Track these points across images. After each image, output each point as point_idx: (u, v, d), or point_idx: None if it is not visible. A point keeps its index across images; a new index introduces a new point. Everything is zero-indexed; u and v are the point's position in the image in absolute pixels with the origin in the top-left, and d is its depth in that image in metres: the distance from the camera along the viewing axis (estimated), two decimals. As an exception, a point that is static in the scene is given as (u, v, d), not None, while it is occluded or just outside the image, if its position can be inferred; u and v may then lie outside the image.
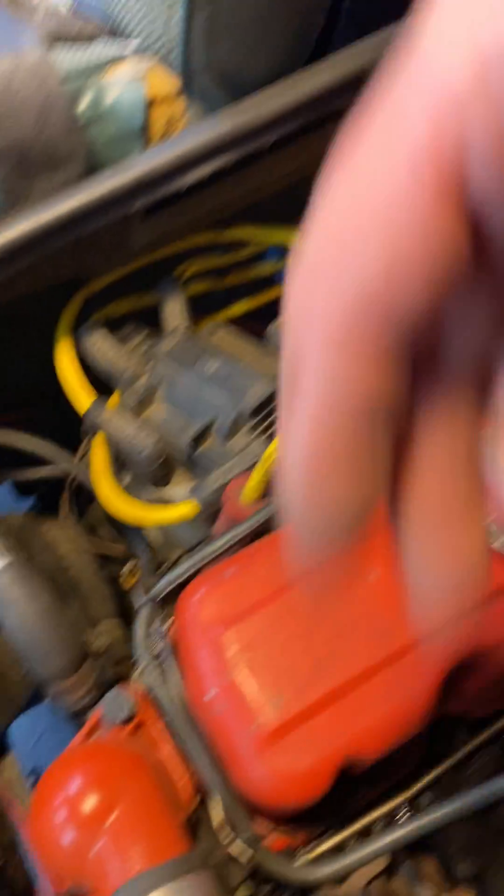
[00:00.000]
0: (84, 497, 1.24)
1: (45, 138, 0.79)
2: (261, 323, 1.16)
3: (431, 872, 0.86)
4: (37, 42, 0.78)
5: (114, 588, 1.22)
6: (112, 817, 0.64)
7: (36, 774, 1.42)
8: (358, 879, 0.80)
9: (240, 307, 1.16)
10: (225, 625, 0.69)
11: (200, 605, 0.70)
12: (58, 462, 1.00)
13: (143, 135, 0.86)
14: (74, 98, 0.81)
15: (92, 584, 1.13)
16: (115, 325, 1.07)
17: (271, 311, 1.18)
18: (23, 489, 1.54)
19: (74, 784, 0.66)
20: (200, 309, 1.14)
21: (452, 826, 0.83)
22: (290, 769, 0.65)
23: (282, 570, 0.72)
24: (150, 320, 1.08)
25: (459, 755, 0.77)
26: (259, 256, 1.16)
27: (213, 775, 0.68)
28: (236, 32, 0.80)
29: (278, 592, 0.71)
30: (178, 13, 0.79)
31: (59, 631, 0.75)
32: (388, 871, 0.85)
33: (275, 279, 1.21)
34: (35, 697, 1.57)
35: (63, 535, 1.18)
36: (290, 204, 1.11)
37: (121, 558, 1.17)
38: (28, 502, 1.59)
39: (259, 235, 1.09)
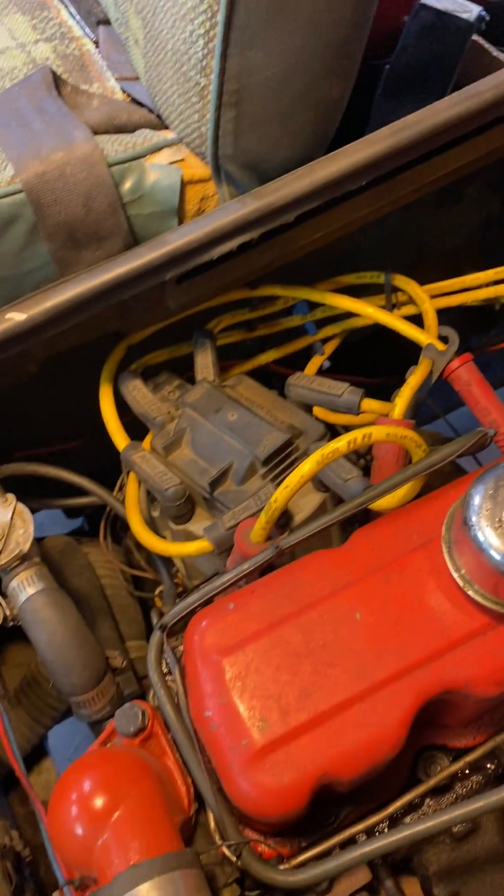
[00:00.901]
0: (123, 523, 1.36)
1: (91, 218, 0.91)
2: (287, 368, 1.26)
3: (412, 890, 0.94)
4: (88, 135, 0.90)
5: (145, 609, 1.33)
6: (116, 815, 0.74)
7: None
8: (343, 890, 0.89)
9: (268, 356, 1.26)
10: (223, 653, 0.79)
11: (204, 634, 0.80)
12: (96, 495, 1.11)
13: (177, 213, 0.97)
14: (119, 181, 0.92)
15: (123, 605, 1.24)
16: (152, 372, 1.18)
17: (296, 360, 1.28)
18: (70, 512, 1.67)
19: (86, 784, 0.76)
20: (232, 355, 1.25)
21: (431, 851, 0.91)
22: (272, 784, 0.74)
23: (277, 607, 0.81)
24: (187, 367, 1.19)
25: (437, 779, 0.85)
26: (287, 311, 1.26)
27: (206, 785, 0.77)
28: (260, 127, 0.91)
29: (272, 627, 0.80)
30: (210, 110, 0.90)
31: (83, 650, 0.86)
32: (371, 890, 0.93)
33: (301, 331, 1.31)
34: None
35: (101, 558, 1.30)
36: (317, 264, 1.22)
37: (153, 580, 1.28)
38: (75, 523, 1.72)
39: (287, 292, 1.20)
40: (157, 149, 0.96)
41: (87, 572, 1.21)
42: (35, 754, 1.82)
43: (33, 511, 0.95)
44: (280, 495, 0.86)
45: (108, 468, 1.25)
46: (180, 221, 0.99)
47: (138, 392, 1.11)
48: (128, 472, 1.17)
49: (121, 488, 1.22)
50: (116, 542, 1.36)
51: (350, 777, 0.75)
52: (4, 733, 0.92)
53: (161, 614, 0.95)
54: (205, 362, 1.12)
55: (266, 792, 0.74)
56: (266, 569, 0.91)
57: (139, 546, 1.32)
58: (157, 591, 1.35)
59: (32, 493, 1.12)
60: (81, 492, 1.23)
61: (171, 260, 0.94)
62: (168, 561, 1.18)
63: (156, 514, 1.14)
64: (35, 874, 1.54)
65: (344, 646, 0.78)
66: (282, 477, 0.99)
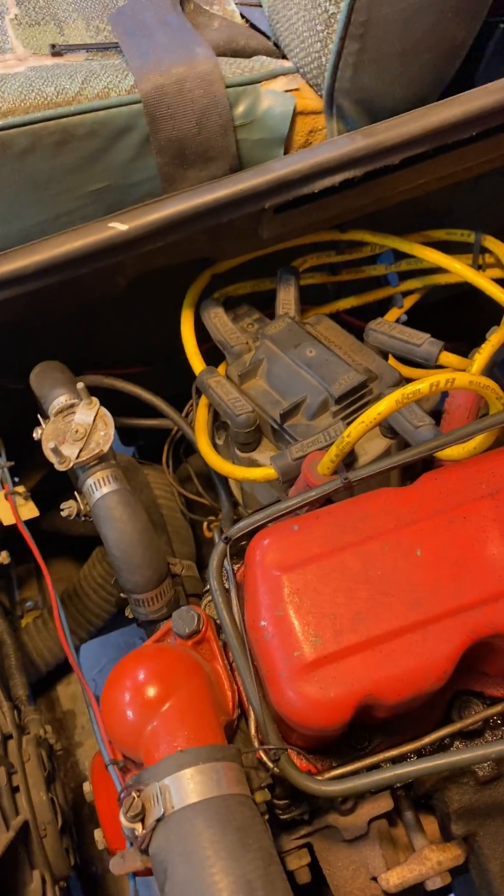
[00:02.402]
0: (181, 451, 1.39)
1: (202, 136, 0.92)
2: (363, 319, 1.27)
3: (430, 829, 0.97)
4: (210, 53, 0.91)
5: (195, 535, 1.37)
6: (167, 705, 0.78)
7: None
8: (363, 814, 0.93)
9: (347, 302, 1.27)
10: (284, 569, 0.82)
11: (267, 549, 0.83)
12: (167, 415, 1.14)
13: (284, 142, 0.98)
14: (233, 103, 0.93)
15: (177, 526, 1.28)
16: (233, 303, 1.20)
17: (375, 309, 1.29)
18: (126, 438, 1.71)
19: (141, 673, 0.80)
20: (311, 298, 1.26)
21: (454, 789, 0.94)
22: (318, 696, 0.77)
23: (340, 534, 0.84)
24: (264, 303, 1.20)
25: (469, 721, 0.88)
26: (372, 259, 1.27)
27: (253, 690, 0.81)
28: (382, 63, 0.91)
29: (333, 552, 0.83)
30: (334, 40, 0.90)
31: (149, 551, 0.89)
32: (391, 818, 0.97)
33: (383, 281, 1.31)
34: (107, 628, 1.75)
35: (159, 480, 1.34)
36: (406, 216, 1.22)
37: (207, 507, 1.31)
38: (130, 449, 1.76)
39: (376, 239, 1.20)
40: (274, 76, 0.97)
41: (147, 490, 1.24)
42: (64, 668, 1.90)
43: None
44: (354, 430, 0.88)
45: (173, 397, 1.28)
46: (285, 152, 1.00)
47: (219, 319, 1.13)
48: (198, 398, 1.20)
49: (187, 414, 1.25)
50: (174, 468, 1.40)
51: (393, 701, 0.78)
52: (62, 630, 0.96)
53: (221, 532, 0.98)
54: (287, 298, 1.14)
55: (312, 703, 0.77)
56: (327, 501, 0.93)
57: (197, 473, 1.36)
58: (207, 521, 1.39)
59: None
60: (147, 414, 1.26)
61: (273, 188, 0.95)
62: (227, 488, 1.21)
63: (220, 441, 1.17)
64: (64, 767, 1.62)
65: (401, 578, 0.81)
66: (353, 417, 1.01)
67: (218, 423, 1.19)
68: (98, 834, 1.01)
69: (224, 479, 1.18)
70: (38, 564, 1.90)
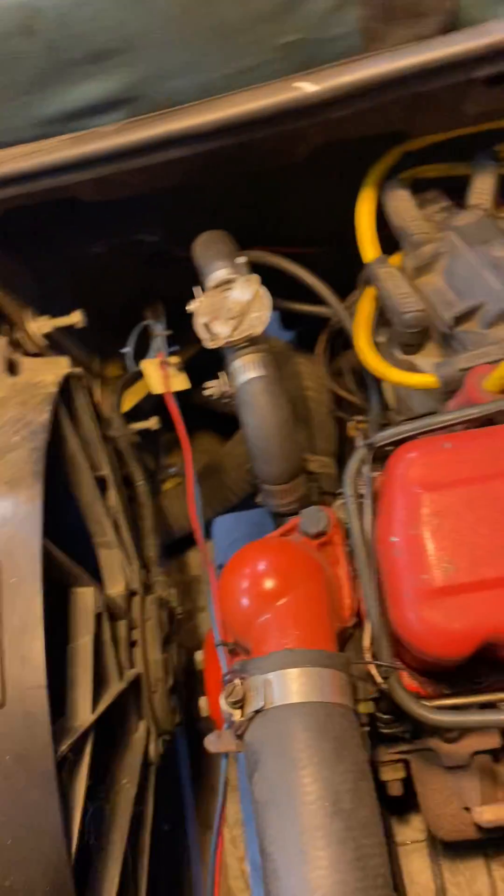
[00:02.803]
0: (339, 343, 1.33)
1: (416, -14, 0.80)
2: None
3: (536, 773, 0.93)
4: None
5: (340, 433, 1.32)
6: (283, 600, 0.77)
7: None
8: (468, 745, 0.89)
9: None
10: (427, 488, 0.76)
11: (412, 462, 0.77)
12: (328, 302, 1.07)
13: (513, -1, 0.84)
14: None
15: (323, 420, 1.23)
16: (420, 187, 1.09)
17: None
18: (287, 322, 1.66)
19: (263, 563, 0.79)
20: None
21: None
22: (441, 625, 0.72)
23: (497, 461, 0.76)
24: (457, 192, 1.08)
25: None
26: None
27: (373, 603, 0.77)
28: None
29: (485, 478, 0.75)
30: None
31: (288, 442, 0.86)
32: (496, 756, 0.93)
33: None
34: (244, 505, 1.77)
35: (311, 370, 1.29)
36: None
37: (356, 405, 1.26)
38: (289, 334, 1.71)
39: None
40: None
41: (297, 379, 1.20)
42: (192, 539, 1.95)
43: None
44: (534, 347, 0.79)
45: (341, 286, 1.20)
46: (513, 11, 0.86)
47: (403, 203, 1.03)
48: (364, 288, 1.12)
49: (349, 306, 1.18)
50: (328, 361, 1.34)
51: (521, 646, 0.73)
52: (192, 500, 0.96)
53: (365, 436, 0.93)
54: (483, 187, 1.01)
55: (433, 630, 0.73)
56: (487, 422, 0.85)
57: (351, 370, 1.30)
58: (354, 421, 1.33)
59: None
60: (311, 300, 1.20)
61: (490, 54, 0.82)
62: (379, 391, 1.14)
63: (381, 339, 1.09)
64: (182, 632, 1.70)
65: None
66: (535, 331, 0.90)
67: (382, 318, 1.10)
68: (203, 702, 1.04)
69: (378, 381, 1.11)
70: (175, 434, 1.95)
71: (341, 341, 1.26)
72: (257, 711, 0.70)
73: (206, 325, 0.84)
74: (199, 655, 1.10)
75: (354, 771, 0.67)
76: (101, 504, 1.19)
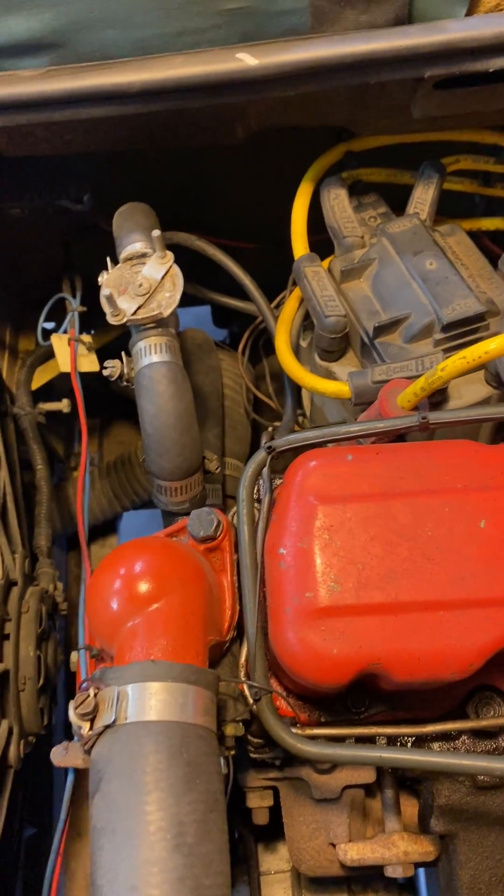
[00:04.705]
0: (265, 346, 1.27)
1: (372, -32, 0.76)
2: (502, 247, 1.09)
3: (408, 812, 0.88)
4: None
5: (255, 435, 1.26)
6: (156, 605, 0.70)
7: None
8: (340, 778, 0.84)
9: (492, 223, 1.09)
10: (323, 500, 0.71)
11: (311, 472, 0.72)
12: (252, 297, 1.02)
13: (469, 1, 0.80)
14: None
15: (236, 420, 1.17)
16: (360, 190, 1.04)
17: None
18: (219, 320, 1.60)
19: (138, 564, 0.72)
20: (451, 208, 1.08)
21: (447, 784, 0.84)
22: (320, 648, 0.67)
23: (398, 479, 0.72)
24: (397, 200, 1.04)
25: (486, 723, 0.77)
26: (536, 179, 1.07)
27: (253, 618, 0.72)
28: None
29: (385, 496, 0.71)
30: None
31: (185, 436, 0.79)
32: (370, 791, 0.88)
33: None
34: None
35: (232, 368, 1.23)
36: None
37: (275, 411, 1.20)
38: (221, 333, 1.65)
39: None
40: None
41: (215, 375, 1.14)
42: (105, 528, 1.87)
43: (185, 300, 0.86)
44: (451, 365, 0.74)
45: (270, 287, 1.15)
46: (468, 13, 0.82)
47: (339, 202, 0.98)
48: (292, 289, 1.07)
49: (277, 306, 1.12)
50: (252, 362, 1.29)
51: (402, 679, 0.68)
52: (81, 492, 0.89)
53: (272, 438, 0.88)
54: (424, 197, 0.97)
55: (311, 653, 0.67)
56: (396, 439, 0.81)
57: (272, 374, 1.24)
58: (271, 427, 1.28)
59: (189, 278, 1.03)
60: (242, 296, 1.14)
61: (440, 53, 0.78)
62: (296, 396, 1.09)
63: (304, 343, 1.04)
64: (66, 629, 1.61)
65: (454, 547, 0.68)
66: (456, 351, 0.86)
67: (307, 321, 1.05)
68: (72, 705, 0.97)
69: (295, 386, 1.06)
70: (103, 420, 1.86)
71: (266, 346, 1.21)
72: (107, 726, 0.63)
73: (110, 299, 0.77)
74: (74, 656, 1.02)
75: (205, 801, 0.61)
76: (-13, 484, 1.10)
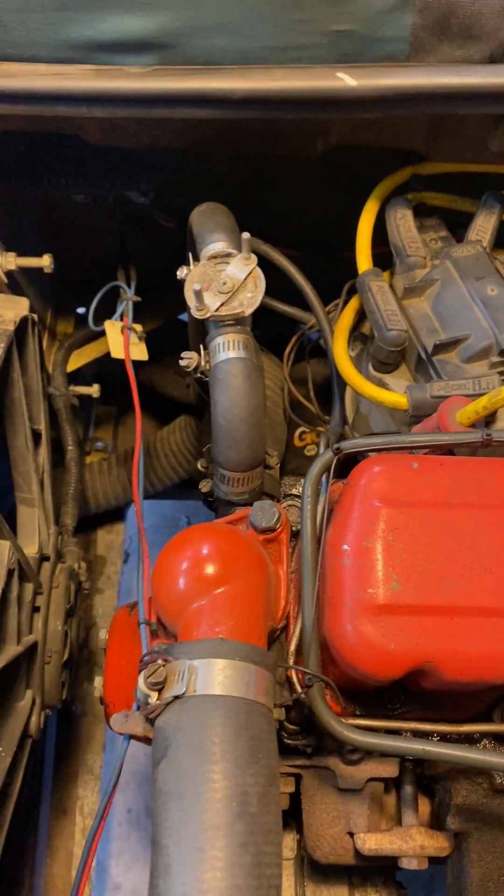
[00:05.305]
0: (308, 352, 1.31)
1: (476, 8, 0.80)
2: None
3: (422, 810, 0.93)
4: None
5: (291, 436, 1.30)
6: (222, 589, 0.74)
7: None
8: (366, 770, 0.88)
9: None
10: (388, 503, 0.75)
11: (378, 476, 0.76)
12: (313, 307, 1.05)
13: None
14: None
15: (275, 421, 1.21)
16: (423, 212, 1.09)
17: None
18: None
19: (207, 548, 0.75)
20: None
21: (465, 784, 0.88)
22: (377, 642, 0.71)
23: (461, 490, 0.76)
24: (456, 224, 1.09)
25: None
26: None
27: (310, 608, 0.75)
28: None
29: (446, 505, 0.75)
30: None
31: (253, 431, 0.83)
32: (388, 785, 0.92)
33: None
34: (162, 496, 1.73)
35: (274, 371, 1.27)
36: None
37: (308, 415, 1.24)
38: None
39: None
40: None
41: (260, 375, 1.17)
42: (114, 515, 1.90)
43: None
44: (514, 388, 0.79)
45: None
46: None
47: (405, 222, 1.02)
48: (347, 300, 1.11)
49: (328, 312, 1.16)
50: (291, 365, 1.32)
51: (450, 677, 0.72)
52: (137, 472, 0.92)
53: (328, 442, 0.91)
54: (486, 225, 1.02)
55: (368, 646, 0.71)
56: (448, 452, 0.85)
57: (312, 378, 1.28)
58: (300, 432, 1.32)
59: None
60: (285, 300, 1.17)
61: (529, 93, 0.82)
62: (344, 402, 1.13)
63: (352, 353, 1.08)
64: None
65: (514, 558, 0.73)
66: (511, 375, 0.91)
67: (356, 333, 1.10)
68: (98, 682, 0.99)
69: (342, 392, 1.10)
70: (121, 408, 1.88)
71: (312, 351, 1.25)
72: (177, 697, 0.67)
73: (198, 293, 0.80)
74: (103, 634, 1.04)
75: (266, 775, 0.65)
76: (33, 459, 1.13)
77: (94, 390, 1.50)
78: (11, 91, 0.85)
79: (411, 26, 0.83)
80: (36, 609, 1.10)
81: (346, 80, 0.83)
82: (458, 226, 1.09)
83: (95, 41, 0.84)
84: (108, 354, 1.40)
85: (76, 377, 1.53)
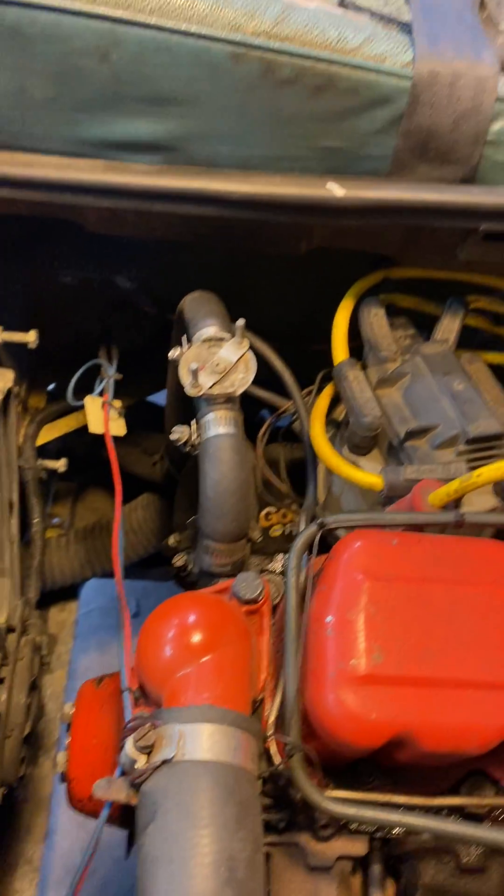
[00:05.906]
0: (282, 435, 1.36)
1: (452, 137, 0.90)
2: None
3: (389, 893, 0.92)
4: (494, 62, 0.89)
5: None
6: (208, 657, 0.75)
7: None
8: (336, 847, 0.88)
9: (497, 357, 1.24)
10: (371, 577, 0.78)
11: (360, 550, 0.80)
12: (291, 392, 1.11)
13: (526, 175, 0.95)
14: (495, 118, 0.91)
15: (250, 500, 1.25)
16: (392, 312, 1.18)
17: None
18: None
19: (193, 616, 0.78)
20: (462, 340, 1.23)
21: (432, 864, 0.89)
22: (359, 712, 0.73)
23: (438, 567, 0.81)
24: (418, 325, 1.18)
25: (474, 801, 0.83)
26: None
27: (293, 679, 0.77)
28: None
29: (426, 580, 0.79)
30: None
31: (240, 504, 0.87)
32: (355, 866, 0.92)
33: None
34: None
35: (247, 450, 1.31)
36: None
37: (276, 494, 1.28)
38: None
39: None
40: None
41: (245, 451, 1.22)
42: (66, 593, 1.88)
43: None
44: (487, 473, 0.85)
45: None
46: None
47: (378, 319, 1.11)
48: (321, 388, 1.18)
49: (304, 398, 1.21)
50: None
51: (428, 748, 0.74)
52: (117, 539, 0.94)
53: (314, 519, 0.95)
54: (451, 327, 1.11)
55: (349, 715, 0.73)
56: (418, 530, 0.90)
57: (280, 460, 1.33)
58: (266, 512, 1.36)
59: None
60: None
61: (496, 212, 0.93)
62: (315, 482, 1.18)
63: (328, 436, 1.14)
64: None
65: (486, 634, 0.77)
66: (475, 463, 0.97)
67: (329, 418, 1.16)
68: (62, 757, 0.98)
69: (316, 473, 1.15)
70: (80, 484, 1.89)
71: (285, 435, 1.30)
72: (165, 761, 0.67)
73: (194, 372, 0.86)
74: (68, 707, 1.04)
75: (253, 841, 0.65)
76: (6, 528, 1.14)
77: (60, 464, 1.52)
78: (24, 179, 0.91)
79: (394, 147, 0.93)
80: (0, 681, 1.09)
81: (335, 189, 0.92)
82: (422, 326, 1.18)
83: (107, 140, 0.92)
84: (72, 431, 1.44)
85: (41, 452, 1.55)
